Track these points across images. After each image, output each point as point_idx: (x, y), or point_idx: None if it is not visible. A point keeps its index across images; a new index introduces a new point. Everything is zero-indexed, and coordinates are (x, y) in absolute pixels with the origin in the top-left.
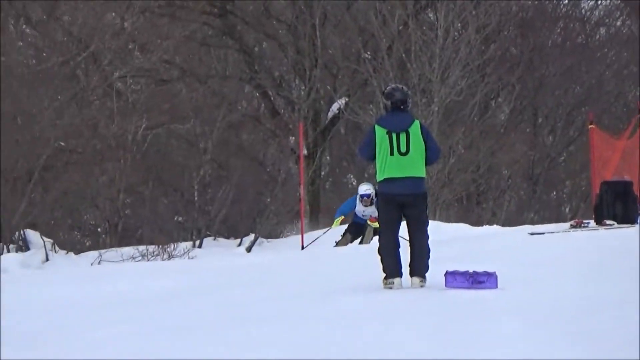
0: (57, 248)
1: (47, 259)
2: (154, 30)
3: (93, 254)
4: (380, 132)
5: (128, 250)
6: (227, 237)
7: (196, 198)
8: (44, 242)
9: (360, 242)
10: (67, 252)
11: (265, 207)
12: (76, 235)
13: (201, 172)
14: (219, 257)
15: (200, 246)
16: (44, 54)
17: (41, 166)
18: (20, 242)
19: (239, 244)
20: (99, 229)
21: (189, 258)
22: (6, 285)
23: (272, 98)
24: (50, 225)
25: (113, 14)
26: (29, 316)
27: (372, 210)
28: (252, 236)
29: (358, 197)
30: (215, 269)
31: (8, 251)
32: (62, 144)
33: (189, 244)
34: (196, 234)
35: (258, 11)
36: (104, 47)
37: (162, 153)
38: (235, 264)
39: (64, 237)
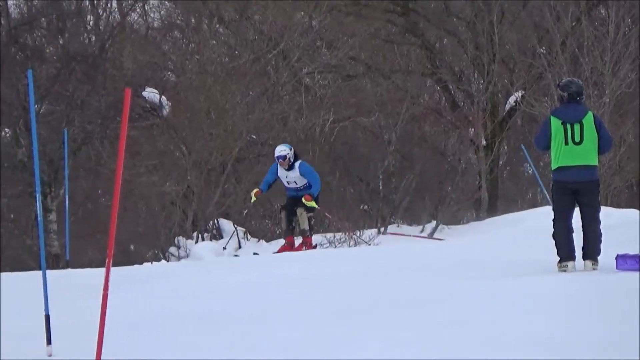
0: (249, 236)
1: (240, 247)
2: (340, 28)
3: (282, 241)
4: (555, 123)
5: (316, 237)
6: (410, 224)
7: (381, 187)
8: (237, 230)
9: (291, 223)
10: (259, 240)
11: (446, 195)
12: (267, 223)
13: (385, 162)
14: (402, 242)
15: (384, 233)
16: (236, 52)
17: (234, 158)
18: (214, 231)
19: (421, 231)
20: None
21: (373, 244)
22: (200, 271)
23: (452, 91)
24: (242, 215)
25: (302, 13)
26: (223, 298)
27: (295, 176)
28: (433, 223)
29: (276, 160)
30: (398, 254)
31: (203, 239)
32: (254, 137)
33: (374, 230)
34: (381, 222)
35: (439, 9)
36: (293, 45)
37: (349, 145)
38: (417, 249)
39: (256, 225)
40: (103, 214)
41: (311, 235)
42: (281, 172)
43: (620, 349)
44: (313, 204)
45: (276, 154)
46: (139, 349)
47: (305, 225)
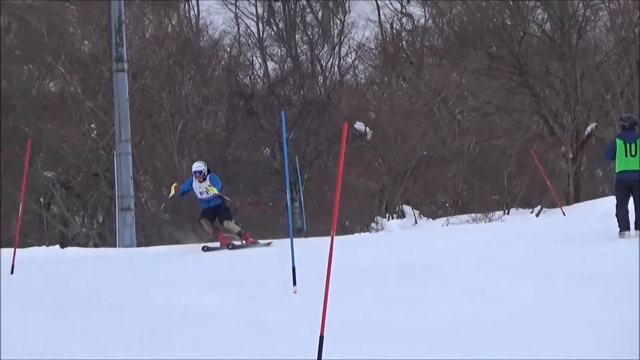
0: (422, 216)
1: (416, 223)
2: (480, 83)
3: (443, 219)
4: (619, 143)
5: (464, 216)
6: (524, 208)
7: (506, 184)
8: (414, 212)
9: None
10: (428, 219)
11: (547, 188)
12: (433, 207)
13: (508, 169)
14: (519, 220)
15: (507, 214)
16: (413, 99)
17: (412, 167)
18: (399, 213)
19: (531, 212)
20: (447, 204)
21: (501, 221)
22: (392, 238)
23: (551, 123)
24: (417, 202)
25: (455, 73)
26: (410, 255)
27: (207, 184)
28: (539, 207)
29: (193, 174)
30: (517, 227)
31: (392, 218)
32: (425, 153)
33: (500, 212)
34: (505, 206)
35: (542, 71)
36: (450, 94)
37: (484, 158)
38: (529, 224)
39: (426, 209)
40: (329, 201)
41: (247, 232)
42: (195, 184)
43: None
44: (214, 189)
45: (193, 169)
46: (354, 290)
47: (235, 229)
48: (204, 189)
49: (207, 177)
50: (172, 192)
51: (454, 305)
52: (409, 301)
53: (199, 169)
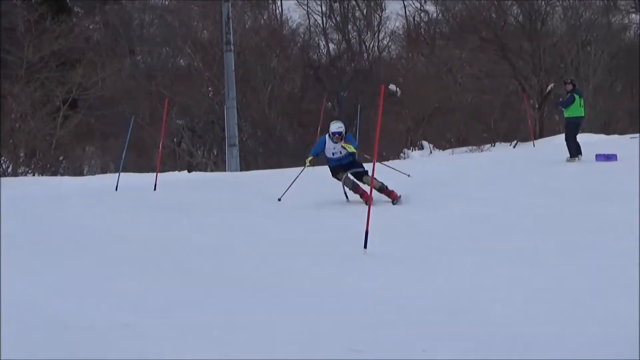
0: (435, 148)
1: (431, 153)
2: (474, 57)
3: (449, 150)
4: (577, 97)
5: (464, 148)
6: (505, 142)
7: (492, 126)
8: (429, 146)
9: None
10: (439, 150)
11: (521, 128)
12: (442, 142)
13: (493, 115)
14: (502, 150)
15: (494, 146)
16: (428, 68)
17: (428, 114)
18: (419, 146)
19: (510, 145)
20: (452, 140)
21: (489, 151)
22: (414, 164)
23: (523, 84)
24: (432, 139)
25: (457, 50)
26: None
27: (340, 146)
28: (515, 141)
29: (329, 135)
30: (500, 155)
31: (414, 150)
32: (437, 105)
33: (489, 145)
34: (492, 141)
35: (517, 48)
36: (453, 65)
37: (478, 108)
38: (509, 153)
39: (438, 143)
40: (372, 138)
41: (387, 188)
42: (330, 145)
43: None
44: (352, 147)
45: (333, 130)
46: (389, 199)
47: (377, 184)
48: (338, 148)
49: (344, 138)
50: (308, 164)
51: (460, 208)
52: (422, 205)
53: (340, 130)
